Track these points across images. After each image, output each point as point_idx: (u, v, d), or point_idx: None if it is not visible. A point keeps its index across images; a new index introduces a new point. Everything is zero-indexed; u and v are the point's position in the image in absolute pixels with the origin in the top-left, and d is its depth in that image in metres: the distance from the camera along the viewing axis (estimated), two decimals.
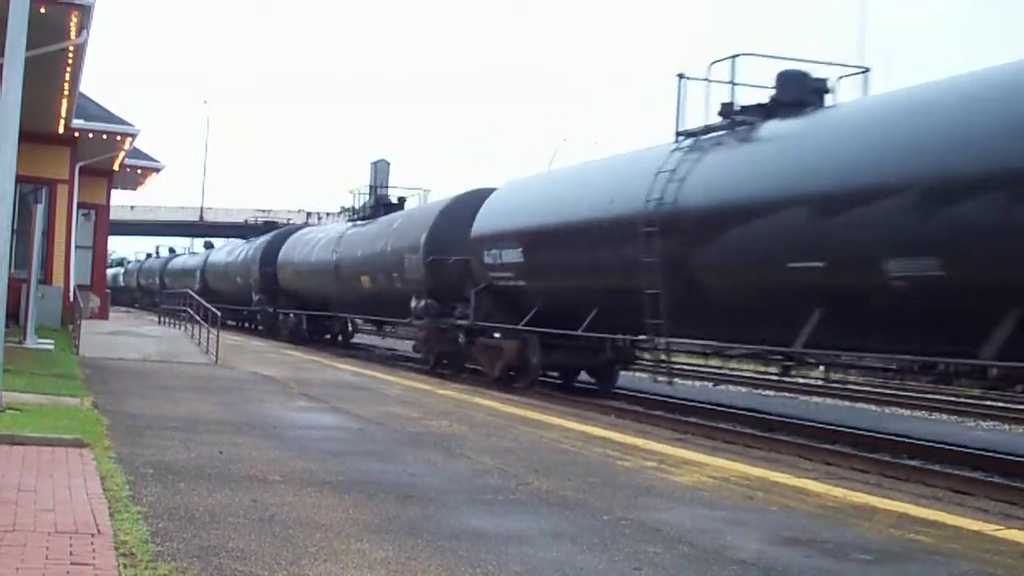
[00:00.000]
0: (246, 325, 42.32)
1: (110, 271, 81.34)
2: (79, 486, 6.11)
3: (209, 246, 51.63)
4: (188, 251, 60.26)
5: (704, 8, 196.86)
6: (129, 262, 78.97)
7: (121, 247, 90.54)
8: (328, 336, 32.73)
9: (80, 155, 23.40)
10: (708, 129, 14.16)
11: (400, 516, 6.04)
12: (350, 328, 33.26)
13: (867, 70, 13.59)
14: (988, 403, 19.23)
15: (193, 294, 26.52)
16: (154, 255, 68.11)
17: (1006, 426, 16.38)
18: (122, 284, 71.38)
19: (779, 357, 13.45)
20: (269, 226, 41.14)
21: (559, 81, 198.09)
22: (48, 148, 21.56)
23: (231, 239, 44.81)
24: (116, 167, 26.73)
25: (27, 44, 9.62)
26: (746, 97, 13.96)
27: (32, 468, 6.61)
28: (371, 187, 29.25)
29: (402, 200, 28.57)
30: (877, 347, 12.25)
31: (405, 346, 30.60)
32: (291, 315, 32.95)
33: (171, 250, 65.43)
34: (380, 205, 28.55)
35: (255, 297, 35.64)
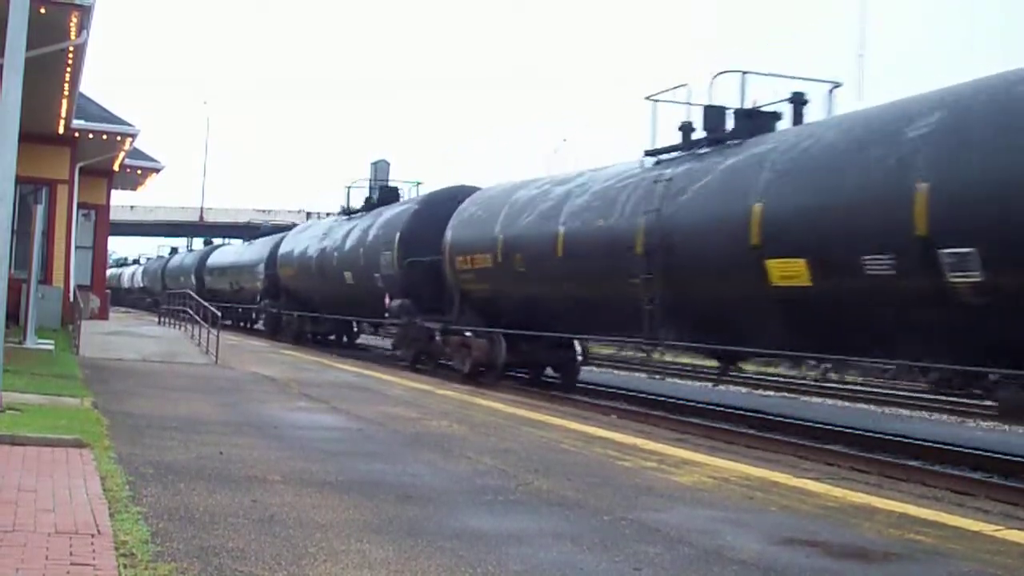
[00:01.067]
0: (333, 340, 30.40)
1: (118, 270, 74.14)
2: (79, 486, 6.10)
3: (276, 231, 38.02)
4: (243, 240, 44.31)
5: (704, 8, 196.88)
6: (149, 258, 66.99)
7: (121, 247, 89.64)
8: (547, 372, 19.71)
9: (80, 155, 23.40)
10: None
11: (400, 516, 6.04)
12: (580, 355, 19.07)
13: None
14: (988, 403, 19.19)
15: (193, 294, 26.46)
16: (185, 249, 57.48)
17: (1006, 426, 16.37)
18: (141, 285, 60.80)
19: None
20: (389, 194, 26.75)
21: (559, 81, 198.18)
22: (48, 148, 21.57)
23: (320, 219, 34.08)
24: (116, 167, 26.73)
25: (27, 44, 9.61)
26: None
27: (32, 468, 6.61)
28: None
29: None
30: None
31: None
32: (472, 335, 18.91)
33: (207, 242, 52.95)
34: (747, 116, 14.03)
35: (393, 303, 21.79)
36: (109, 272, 76.23)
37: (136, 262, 74.88)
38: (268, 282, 32.72)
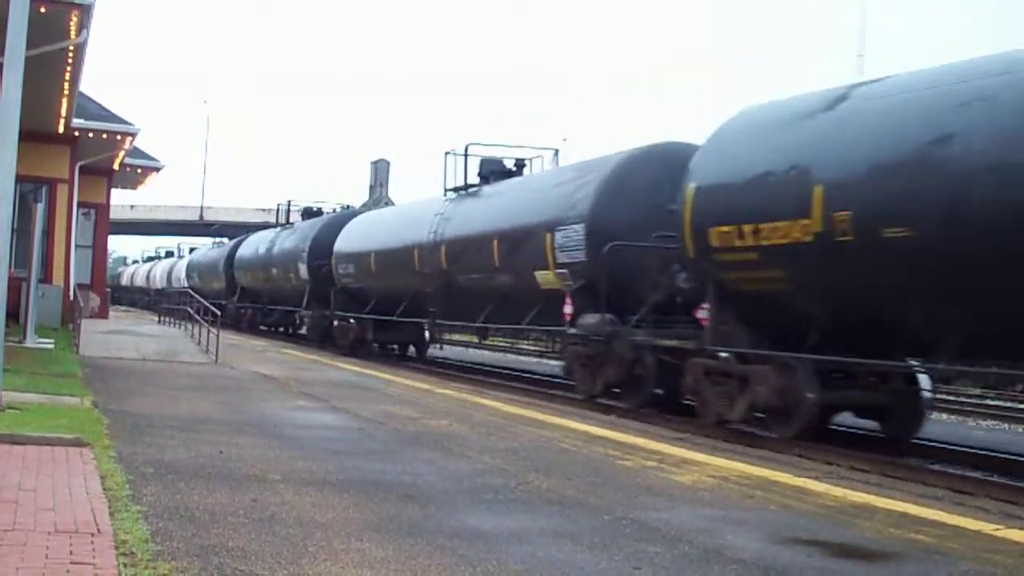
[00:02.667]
0: None
1: (144, 267, 63.49)
2: (79, 485, 6.10)
3: (484, 179, 20.35)
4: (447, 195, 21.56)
5: (704, 8, 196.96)
6: (194, 248, 52.45)
7: (121, 246, 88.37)
8: None
9: (80, 154, 23.41)
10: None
11: (400, 515, 6.04)
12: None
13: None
14: (988, 403, 19.22)
15: (194, 293, 26.28)
16: (202, 245, 41.63)
17: (1006, 426, 16.37)
18: (185, 285, 42.71)
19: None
20: None
21: (559, 81, 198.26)
22: (48, 147, 21.57)
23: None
24: (116, 166, 26.73)
25: (27, 43, 9.61)
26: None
27: (32, 467, 6.61)
28: None
29: None
30: None
31: None
32: None
33: (309, 212, 32.28)
34: None
35: None
36: (129, 270, 71.76)
37: (169, 254, 61.05)
38: (594, 270, 14.79)
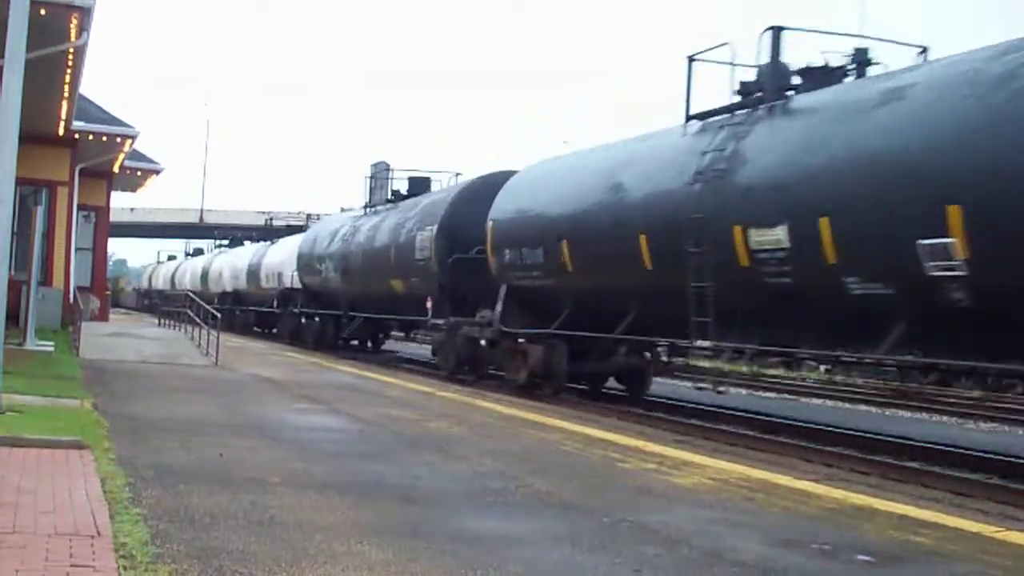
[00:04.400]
0: None
1: (197, 261, 45.72)
2: (79, 488, 6.10)
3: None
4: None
5: (704, 9, 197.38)
6: (290, 225, 35.86)
7: (121, 249, 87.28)
8: None
9: (80, 157, 23.41)
10: None
11: (400, 518, 6.04)
12: None
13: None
14: (988, 405, 19.22)
15: (193, 295, 26.23)
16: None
17: (1006, 428, 16.37)
18: (296, 283, 29.00)
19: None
20: None
21: (560, 81, 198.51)
22: (48, 150, 21.56)
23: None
24: (116, 169, 26.73)
25: (27, 46, 9.61)
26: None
27: (32, 470, 6.61)
28: None
29: None
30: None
31: None
32: None
33: (231, 244, 26.19)
34: None
35: None
36: (165, 268, 63.26)
37: (238, 242, 41.81)
38: None
